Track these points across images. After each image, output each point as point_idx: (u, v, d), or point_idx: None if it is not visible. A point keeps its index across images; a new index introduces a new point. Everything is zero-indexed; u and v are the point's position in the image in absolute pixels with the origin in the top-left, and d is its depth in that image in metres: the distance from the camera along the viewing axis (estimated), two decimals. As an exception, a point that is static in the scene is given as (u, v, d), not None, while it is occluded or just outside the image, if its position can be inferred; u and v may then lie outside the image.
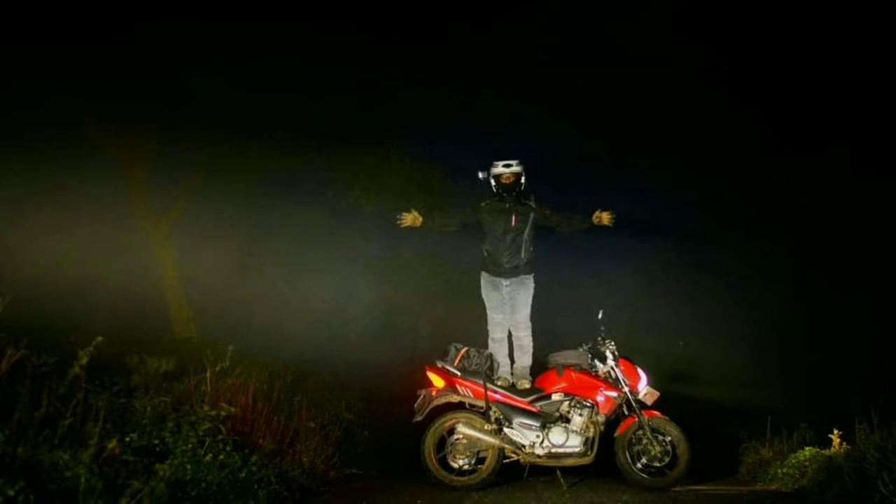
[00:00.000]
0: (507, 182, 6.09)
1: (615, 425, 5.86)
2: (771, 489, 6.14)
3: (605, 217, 6.14)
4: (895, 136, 9.54)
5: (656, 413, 5.82)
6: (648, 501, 4.91)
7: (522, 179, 6.14)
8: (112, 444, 3.18)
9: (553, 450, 5.71)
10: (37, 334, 3.55)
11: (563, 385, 5.90)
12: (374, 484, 6.02)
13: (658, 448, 5.65)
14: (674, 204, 12.57)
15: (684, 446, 5.60)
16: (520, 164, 6.13)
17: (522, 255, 6.09)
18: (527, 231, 6.09)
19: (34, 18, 7.47)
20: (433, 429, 5.73)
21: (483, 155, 6.38)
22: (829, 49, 10.03)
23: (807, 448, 6.35)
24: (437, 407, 5.84)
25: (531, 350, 6.16)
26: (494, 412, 5.78)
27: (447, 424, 5.76)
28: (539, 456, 5.71)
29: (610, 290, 11.32)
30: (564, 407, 5.83)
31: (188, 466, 3.74)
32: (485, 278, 6.22)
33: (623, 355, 6.02)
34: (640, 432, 5.72)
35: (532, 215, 6.11)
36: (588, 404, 5.81)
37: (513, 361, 6.18)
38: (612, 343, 6.01)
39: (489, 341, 6.19)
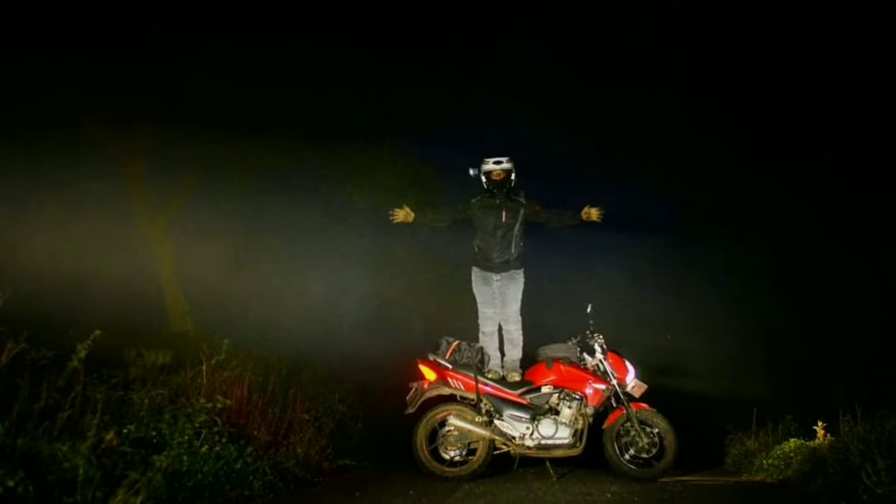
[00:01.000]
0: (498, 178, 6.17)
1: (603, 417, 5.94)
2: (756, 480, 6.22)
3: (593, 213, 6.24)
4: (882, 137, 9.63)
5: (644, 405, 5.89)
6: (636, 492, 4.96)
7: (512, 176, 6.22)
8: (110, 435, 3.24)
9: (543, 441, 5.79)
10: (36, 328, 3.57)
11: (552, 378, 5.98)
12: (367, 475, 6.10)
13: (646, 439, 5.73)
14: (662, 201, 12.64)
15: (671, 438, 5.67)
16: (510, 160, 6.21)
17: (513, 251, 6.17)
18: (517, 227, 6.17)
19: (34, 18, 7.50)
20: (425, 421, 5.80)
21: (474, 152, 6.43)
22: (819, 48, 10.09)
23: (792, 440, 6.45)
24: (429, 399, 5.91)
25: (521, 343, 6.24)
26: (485, 404, 5.85)
27: (439, 416, 5.84)
28: (529, 447, 5.79)
29: (598, 285, 11.36)
30: (554, 399, 5.91)
31: (185, 458, 3.82)
32: (476, 273, 6.29)
33: (611, 348, 6.11)
34: (628, 424, 5.80)
35: (522, 211, 6.19)
36: (577, 396, 5.89)
37: (503, 355, 6.24)
38: (601, 336, 6.09)
39: (480, 335, 6.25)
